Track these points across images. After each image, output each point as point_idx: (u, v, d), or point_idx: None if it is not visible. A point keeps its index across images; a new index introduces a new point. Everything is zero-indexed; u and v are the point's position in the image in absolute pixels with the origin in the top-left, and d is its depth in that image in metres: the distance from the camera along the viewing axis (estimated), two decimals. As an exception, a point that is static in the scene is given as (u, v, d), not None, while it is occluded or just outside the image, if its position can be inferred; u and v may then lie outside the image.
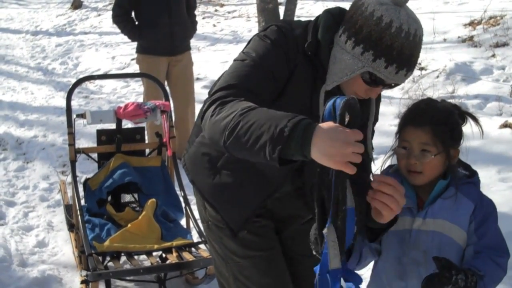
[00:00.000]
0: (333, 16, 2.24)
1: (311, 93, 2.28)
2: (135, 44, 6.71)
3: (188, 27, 6.59)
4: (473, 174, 2.32)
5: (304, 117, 1.78)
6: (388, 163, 2.42)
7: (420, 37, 2.06)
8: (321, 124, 1.72)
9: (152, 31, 6.33)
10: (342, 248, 1.83)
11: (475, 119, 2.36)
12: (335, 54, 2.17)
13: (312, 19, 2.34)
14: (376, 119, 2.49)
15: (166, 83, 6.57)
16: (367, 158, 2.41)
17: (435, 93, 7.21)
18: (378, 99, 2.47)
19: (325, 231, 1.83)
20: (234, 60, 2.32)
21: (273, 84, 2.23)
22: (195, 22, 6.82)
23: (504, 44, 8.30)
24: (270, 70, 2.21)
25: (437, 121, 2.21)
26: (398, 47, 2.01)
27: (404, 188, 1.91)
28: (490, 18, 9.38)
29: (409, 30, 2.02)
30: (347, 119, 1.71)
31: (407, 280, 2.30)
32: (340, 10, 2.27)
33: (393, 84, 2.15)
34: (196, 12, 6.95)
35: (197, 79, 8.42)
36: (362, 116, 2.36)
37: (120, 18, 6.44)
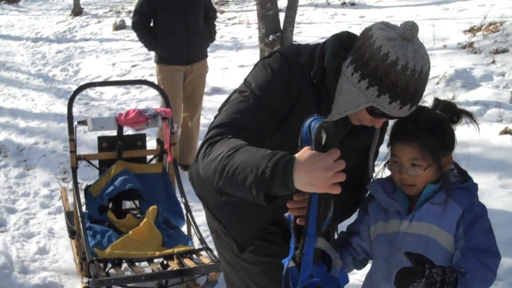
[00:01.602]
0: (340, 42, 2.24)
1: None
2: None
3: (204, 36, 6.56)
4: (467, 180, 2.30)
5: (284, 154, 1.83)
6: (382, 173, 2.44)
7: (426, 73, 2.07)
8: (298, 156, 1.78)
9: (169, 40, 6.33)
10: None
11: (471, 116, 2.35)
12: (342, 84, 2.17)
13: (321, 41, 2.33)
14: (382, 141, 2.51)
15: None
16: (366, 178, 2.45)
17: (435, 100, 7.22)
18: (386, 122, 2.48)
19: (318, 244, 1.91)
20: (236, 92, 2.34)
21: (271, 119, 2.24)
22: (214, 32, 6.81)
23: (504, 51, 8.31)
24: (269, 105, 2.23)
25: (424, 135, 2.21)
26: (403, 85, 2.02)
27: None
28: (490, 24, 9.40)
29: (415, 67, 2.02)
30: (323, 141, 1.76)
31: (392, 282, 2.32)
32: (348, 36, 2.26)
33: (398, 117, 2.16)
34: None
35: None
36: (366, 138, 2.40)
37: (139, 26, 6.44)
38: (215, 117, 2.37)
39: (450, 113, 2.33)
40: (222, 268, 2.77)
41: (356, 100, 2.11)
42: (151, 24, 6.46)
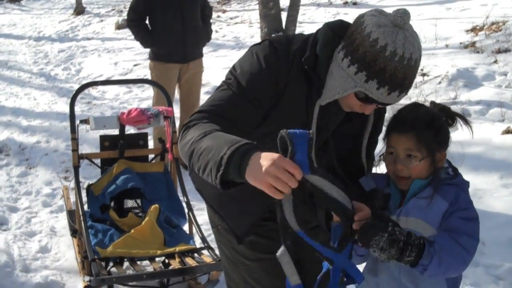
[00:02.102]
0: (333, 31, 2.25)
1: (306, 107, 2.31)
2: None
3: (201, 35, 6.57)
4: (457, 176, 2.31)
5: (247, 143, 1.91)
6: (378, 168, 2.46)
7: (416, 60, 2.07)
8: (263, 152, 1.85)
9: (165, 38, 6.33)
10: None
11: (465, 119, 2.37)
12: (332, 69, 2.19)
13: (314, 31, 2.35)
14: (380, 130, 2.52)
15: (177, 89, 6.61)
16: (361, 168, 2.44)
17: (437, 99, 7.21)
18: (383, 110, 2.49)
19: (278, 254, 1.96)
20: (223, 81, 2.38)
21: (253, 109, 2.27)
22: (210, 31, 6.81)
23: (506, 50, 8.30)
24: (251, 95, 2.26)
25: (420, 127, 2.23)
26: (391, 71, 2.03)
27: None
28: (492, 24, 9.39)
29: (403, 54, 2.02)
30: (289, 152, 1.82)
31: (379, 276, 2.34)
32: (341, 24, 2.27)
33: (387, 104, 2.17)
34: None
35: (200, 85, 8.44)
36: (359, 126, 2.40)
37: (134, 23, 6.44)
38: None
39: (445, 115, 2.34)
40: (222, 263, 2.79)
41: (344, 85, 2.13)
42: (147, 22, 6.46)
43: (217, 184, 1.93)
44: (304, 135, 1.83)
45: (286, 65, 2.28)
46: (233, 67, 2.38)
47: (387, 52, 2.02)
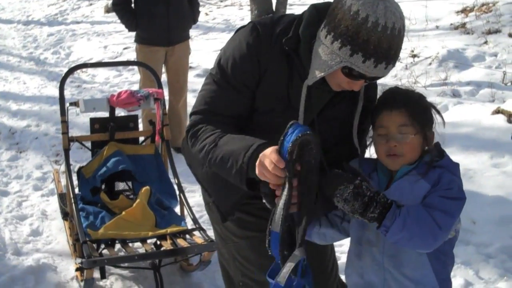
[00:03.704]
0: (318, 12, 2.24)
1: (287, 86, 2.32)
2: (127, 33, 6.70)
3: (186, 17, 6.51)
4: (442, 158, 2.26)
5: (258, 145, 2.12)
6: (368, 153, 2.45)
7: (400, 29, 2.05)
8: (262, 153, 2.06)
9: (149, 21, 6.29)
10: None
11: (435, 109, 2.33)
12: (317, 48, 2.19)
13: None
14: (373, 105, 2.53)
15: (164, 72, 6.58)
16: (353, 149, 2.42)
17: (428, 80, 7.23)
18: (375, 92, 2.48)
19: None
20: (209, 74, 2.46)
21: (243, 96, 2.36)
22: (197, 12, 6.74)
23: (497, 31, 8.32)
24: (237, 82, 2.33)
25: (411, 102, 2.23)
26: (375, 42, 2.01)
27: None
28: (483, 5, 9.39)
29: (386, 24, 2.00)
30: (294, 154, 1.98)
31: (362, 260, 2.34)
32: (326, 5, 2.24)
33: (375, 77, 2.15)
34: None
35: (190, 68, 8.39)
36: (349, 110, 2.40)
37: (119, 7, 6.40)
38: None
39: None
40: (215, 239, 2.86)
41: (330, 62, 2.11)
42: (132, 5, 6.41)
43: (244, 188, 2.20)
44: (296, 128, 1.99)
45: (268, 46, 2.29)
46: (219, 55, 2.43)
47: (369, 23, 2.00)
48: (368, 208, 1.99)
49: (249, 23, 2.40)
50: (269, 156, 2.01)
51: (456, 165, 2.25)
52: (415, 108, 2.23)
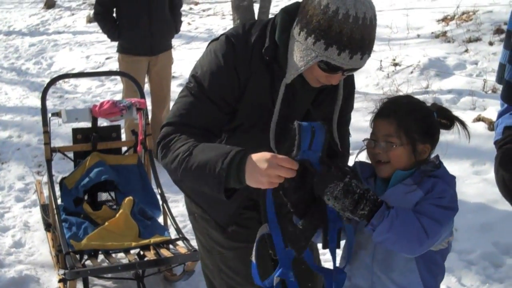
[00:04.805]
0: (289, 14, 2.26)
1: (271, 96, 2.32)
2: (109, 43, 6.67)
3: (169, 27, 6.49)
4: (439, 167, 2.27)
5: (237, 151, 2.04)
6: (361, 157, 2.44)
7: (371, 19, 2.07)
8: (254, 155, 1.99)
9: (131, 30, 6.27)
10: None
11: (462, 123, 2.33)
12: (292, 46, 2.20)
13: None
14: (351, 107, 2.58)
15: (147, 82, 6.57)
16: (335, 147, 2.44)
17: (410, 88, 7.28)
18: (352, 87, 2.51)
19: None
20: (185, 87, 2.41)
21: (218, 110, 2.32)
22: (179, 22, 6.73)
23: (477, 39, 8.39)
24: (213, 96, 2.30)
25: (401, 114, 2.21)
26: (348, 33, 2.03)
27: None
28: (463, 13, 9.48)
29: (357, 14, 2.02)
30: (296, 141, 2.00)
31: (352, 264, 2.34)
32: (296, 5, 2.27)
33: (352, 69, 2.16)
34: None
35: (173, 77, 8.41)
36: (330, 109, 2.41)
37: (101, 16, 6.38)
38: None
39: (441, 116, 2.30)
40: (198, 250, 2.81)
41: (306, 58, 2.13)
42: (114, 15, 6.40)
43: (222, 197, 2.09)
44: (308, 127, 2.00)
45: (246, 57, 2.29)
46: (194, 68, 2.40)
47: (340, 15, 2.02)
48: (358, 205, 1.99)
49: (221, 35, 2.38)
50: (276, 161, 1.94)
51: (452, 177, 2.25)
52: (405, 118, 2.21)
